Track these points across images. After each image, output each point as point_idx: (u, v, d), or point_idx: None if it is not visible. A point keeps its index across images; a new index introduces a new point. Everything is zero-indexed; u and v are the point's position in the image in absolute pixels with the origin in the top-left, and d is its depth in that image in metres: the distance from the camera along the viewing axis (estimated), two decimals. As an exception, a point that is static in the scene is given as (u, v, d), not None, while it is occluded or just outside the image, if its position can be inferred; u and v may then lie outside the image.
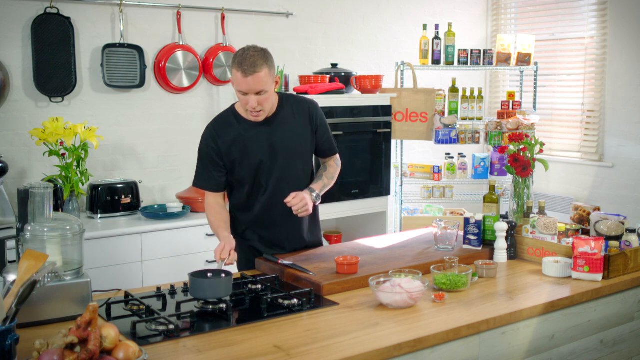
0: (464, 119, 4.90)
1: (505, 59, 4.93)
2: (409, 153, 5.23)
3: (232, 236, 2.62)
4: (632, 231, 2.72)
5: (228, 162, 2.68)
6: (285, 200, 2.61)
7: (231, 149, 2.66)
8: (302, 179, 2.76)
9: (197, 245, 3.78)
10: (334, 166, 2.88)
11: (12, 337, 1.64)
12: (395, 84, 4.89)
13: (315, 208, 2.87)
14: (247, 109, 2.58)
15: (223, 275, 2.24)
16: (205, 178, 2.72)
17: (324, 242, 3.22)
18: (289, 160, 2.70)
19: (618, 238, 2.74)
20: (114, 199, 3.81)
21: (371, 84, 4.49)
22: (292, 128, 2.71)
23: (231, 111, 2.72)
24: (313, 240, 2.89)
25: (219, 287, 2.18)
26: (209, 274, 2.25)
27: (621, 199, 4.81)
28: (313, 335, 1.95)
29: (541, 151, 3.13)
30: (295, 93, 4.27)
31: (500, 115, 4.91)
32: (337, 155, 2.92)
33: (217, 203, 2.73)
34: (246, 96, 2.51)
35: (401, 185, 4.89)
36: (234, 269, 2.65)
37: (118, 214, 3.82)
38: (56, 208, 3.55)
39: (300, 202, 2.59)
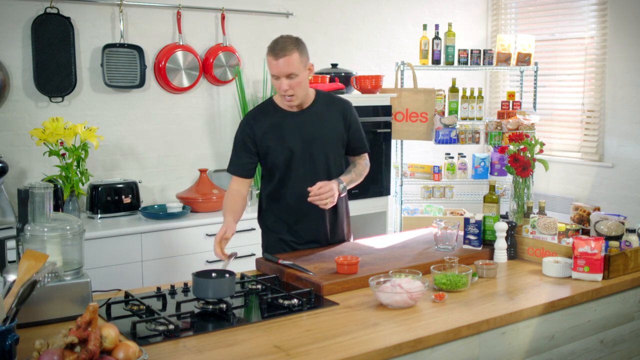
0: (464, 119, 4.90)
1: (505, 59, 4.93)
2: (409, 153, 5.23)
3: (235, 224, 2.68)
4: (632, 231, 2.72)
5: (262, 149, 2.78)
6: (310, 189, 2.62)
7: (266, 136, 2.76)
8: (332, 171, 2.82)
9: (197, 245, 3.78)
10: (363, 164, 2.95)
11: (12, 337, 1.64)
12: (395, 84, 4.89)
13: (344, 203, 2.96)
14: (281, 94, 2.68)
15: (227, 275, 2.25)
16: (235, 163, 2.81)
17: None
18: (321, 151, 2.79)
19: (618, 238, 2.74)
20: (114, 199, 3.81)
21: (371, 84, 4.49)
22: (326, 121, 2.80)
23: (269, 101, 2.84)
24: (339, 233, 2.96)
25: (223, 287, 2.19)
26: (213, 274, 2.25)
27: (621, 199, 4.81)
28: (313, 335, 1.95)
29: (541, 151, 3.13)
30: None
31: (500, 115, 4.91)
32: (367, 157, 2.98)
33: (238, 192, 2.80)
34: (278, 80, 2.63)
35: (401, 185, 4.89)
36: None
37: (118, 214, 3.82)
38: (56, 208, 3.54)
39: (327, 191, 2.62)
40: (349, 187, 2.81)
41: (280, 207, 2.85)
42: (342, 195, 2.80)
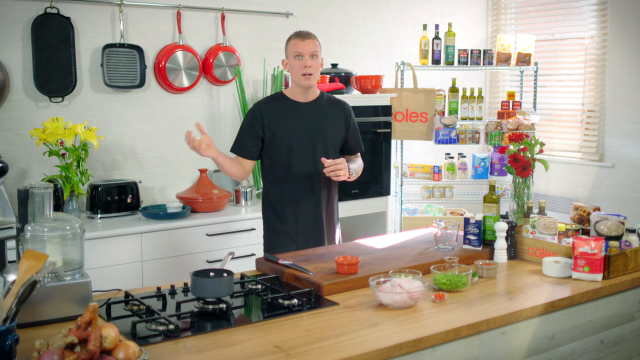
0: (464, 119, 4.90)
1: (505, 59, 4.93)
2: (409, 153, 5.23)
3: (216, 150, 2.86)
4: (632, 231, 2.72)
5: (268, 133, 2.99)
6: (324, 160, 2.84)
7: (273, 121, 2.99)
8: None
9: (197, 245, 3.78)
10: (360, 162, 3.16)
11: (12, 337, 1.64)
12: (395, 84, 4.89)
13: (334, 207, 3.15)
14: (302, 73, 2.91)
15: (225, 274, 2.25)
16: (240, 145, 3.03)
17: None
18: (321, 142, 3.00)
19: (618, 238, 2.74)
20: (114, 199, 3.81)
21: (371, 84, 4.49)
22: (329, 116, 3.05)
23: (279, 93, 3.12)
24: (333, 222, 3.14)
25: (221, 286, 2.19)
26: (211, 273, 2.26)
27: (621, 199, 4.81)
28: (313, 335, 1.96)
29: (541, 151, 3.13)
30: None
31: (500, 115, 4.91)
32: (360, 157, 3.20)
33: (238, 160, 3.02)
34: (302, 59, 2.91)
35: (401, 185, 4.89)
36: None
37: (118, 214, 3.82)
38: (56, 208, 3.54)
39: (340, 163, 2.84)
40: (353, 176, 2.99)
41: (281, 192, 3.02)
42: (351, 177, 2.97)
